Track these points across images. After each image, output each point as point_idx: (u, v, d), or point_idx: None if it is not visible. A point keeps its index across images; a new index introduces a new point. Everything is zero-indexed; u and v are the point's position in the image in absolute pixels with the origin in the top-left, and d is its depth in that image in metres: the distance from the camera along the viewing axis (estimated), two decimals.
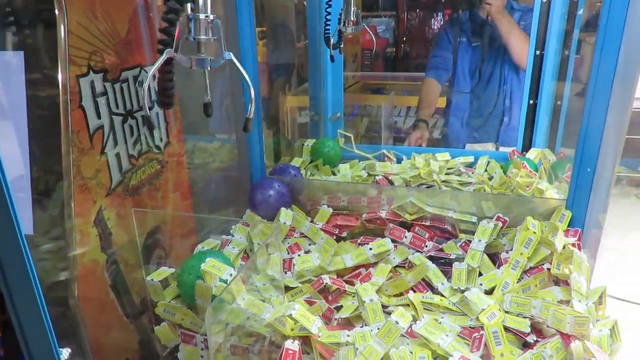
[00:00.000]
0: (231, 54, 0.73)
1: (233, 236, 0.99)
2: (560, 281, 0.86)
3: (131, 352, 1.00)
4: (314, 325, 0.72)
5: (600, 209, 0.92)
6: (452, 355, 0.67)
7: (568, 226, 0.94)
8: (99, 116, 0.88)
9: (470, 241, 0.95)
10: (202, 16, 0.66)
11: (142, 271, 0.83)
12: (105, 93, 0.89)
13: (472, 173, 1.38)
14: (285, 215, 1.02)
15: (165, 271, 0.80)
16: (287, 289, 0.88)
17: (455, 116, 2.16)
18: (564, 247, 0.86)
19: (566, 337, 0.69)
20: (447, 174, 1.38)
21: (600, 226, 0.93)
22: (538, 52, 1.41)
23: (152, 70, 0.70)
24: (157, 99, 0.83)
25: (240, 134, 1.11)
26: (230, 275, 0.72)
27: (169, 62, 0.71)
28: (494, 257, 0.95)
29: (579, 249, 0.90)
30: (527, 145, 1.51)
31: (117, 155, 0.94)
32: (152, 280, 0.78)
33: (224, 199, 1.20)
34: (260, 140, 1.10)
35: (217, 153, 1.25)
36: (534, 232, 0.88)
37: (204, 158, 1.25)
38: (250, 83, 0.73)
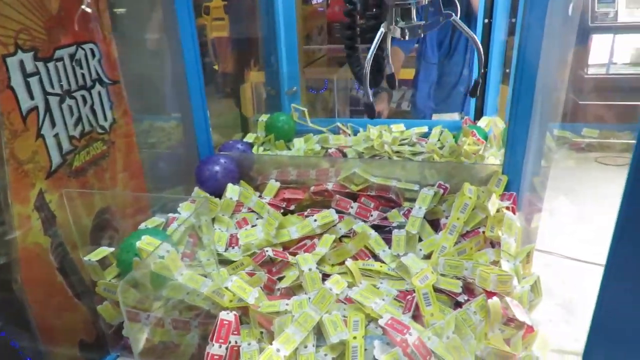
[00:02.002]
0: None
1: (180, 214, 0.99)
2: (496, 243, 0.90)
3: (86, 333, 1.01)
4: (251, 295, 0.74)
5: (535, 172, 0.96)
6: (382, 317, 0.70)
7: (505, 190, 0.97)
8: (32, 97, 0.86)
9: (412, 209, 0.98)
10: None
11: (84, 252, 0.84)
12: (37, 73, 0.87)
13: (426, 143, 1.40)
14: (232, 191, 1.02)
15: (103, 250, 0.81)
16: (231, 263, 0.89)
17: (423, 87, 2.18)
18: (498, 211, 0.90)
19: (491, 295, 0.73)
20: (400, 144, 1.40)
21: (536, 189, 0.97)
22: (487, 21, 1.42)
23: (371, 50, 0.69)
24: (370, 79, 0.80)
25: (185, 112, 1.10)
26: (167, 251, 0.73)
27: (383, 39, 0.69)
28: (436, 223, 0.98)
29: (514, 212, 0.93)
30: (479, 114, 1.54)
31: (56, 136, 0.93)
32: (89, 260, 0.79)
33: (174, 177, 1.20)
34: (205, 118, 1.10)
35: (166, 131, 1.24)
36: (470, 198, 0.91)
37: (153, 137, 1.24)
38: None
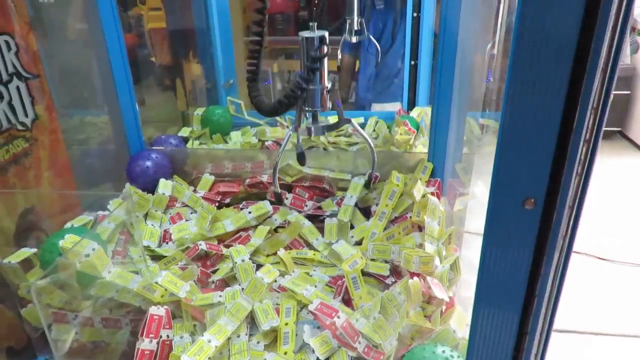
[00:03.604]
0: None
1: (110, 211, 0.97)
2: (423, 227, 0.95)
3: (15, 339, 0.97)
4: (182, 289, 0.75)
5: (457, 159, 1.01)
6: (312, 302, 0.72)
7: (430, 177, 1.03)
8: None
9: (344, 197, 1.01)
10: None
11: (5, 254, 0.80)
12: None
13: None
14: (164, 186, 1.01)
15: (25, 252, 0.78)
16: (163, 258, 0.89)
17: (363, 78, 2.22)
18: (423, 196, 0.95)
19: (415, 275, 0.77)
20: (336, 135, 1.43)
21: (459, 175, 1.03)
22: (415, 15, 1.47)
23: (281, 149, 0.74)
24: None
25: (113, 106, 1.07)
26: (93, 249, 0.72)
27: None
28: (367, 211, 1.02)
29: (438, 197, 0.99)
30: (412, 104, 1.60)
31: None
32: (9, 262, 0.75)
33: (105, 174, 1.17)
34: (134, 113, 1.07)
35: (97, 127, 1.20)
36: (398, 185, 0.96)
37: (82, 132, 1.19)
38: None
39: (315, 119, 0.73)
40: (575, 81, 0.32)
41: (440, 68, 0.94)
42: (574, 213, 0.36)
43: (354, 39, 1.24)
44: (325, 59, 0.75)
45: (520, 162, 0.33)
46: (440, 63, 0.93)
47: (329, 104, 0.72)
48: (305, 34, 0.75)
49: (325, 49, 0.72)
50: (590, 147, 0.34)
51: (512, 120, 0.32)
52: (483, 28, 0.94)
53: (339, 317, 0.70)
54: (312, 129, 0.76)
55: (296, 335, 0.73)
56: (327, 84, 0.69)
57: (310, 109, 0.74)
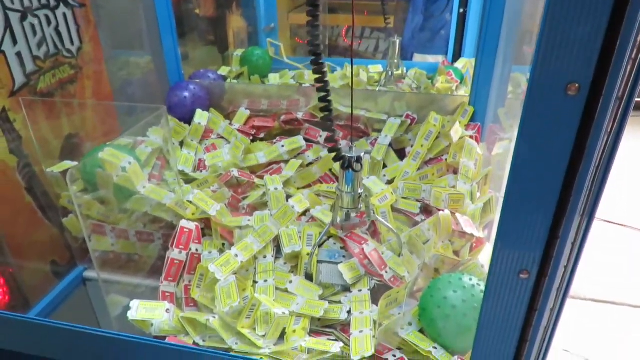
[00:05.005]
0: None
1: (149, 137, 0.99)
2: (458, 171, 0.92)
3: (58, 254, 1.03)
4: (213, 208, 0.76)
5: (499, 104, 0.97)
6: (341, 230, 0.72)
7: (470, 121, 0.99)
8: None
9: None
10: None
11: (48, 166, 0.84)
12: None
13: (402, 84, 1.40)
14: (201, 117, 1.02)
15: (67, 164, 0.81)
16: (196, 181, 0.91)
17: (409, 26, 2.16)
18: (460, 139, 0.91)
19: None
20: (376, 84, 1.39)
21: (500, 120, 0.98)
22: None
23: None
24: None
25: (154, 46, 1.09)
26: (129, 163, 0.74)
27: None
28: (402, 153, 1.00)
29: (477, 142, 0.95)
30: (457, 57, 1.54)
31: (19, 54, 0.91)
32: (52, 171, 0.79)
33: (144, 108, 1.19)
34: (175, 47, 1.09)
35: (137, 65, 1.22)
36: (435, 126, 0.93)
37: (123, 69, 1.22)
38: None
39: (348, 217, 0.73)
40: None
41: (489, 9, 0.88)
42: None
43: None
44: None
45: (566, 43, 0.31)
46: (490, 6, 0.88)
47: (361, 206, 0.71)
48: None
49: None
50: None
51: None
52: None
53: (368, 245, 0.70)
54: (343, 226, 0.74)
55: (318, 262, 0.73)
56: (360, 190, 0.69)
57: (344, 207, 0.71)
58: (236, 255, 0.68)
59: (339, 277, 0.69)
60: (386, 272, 0.69)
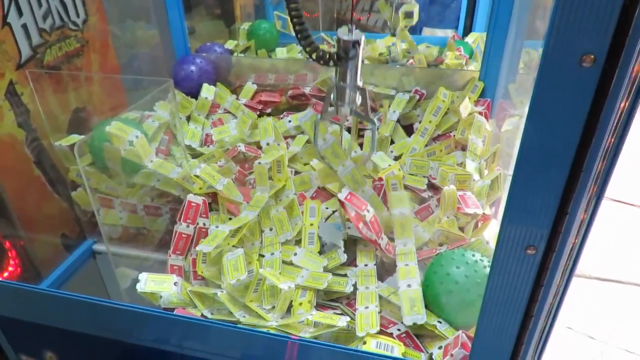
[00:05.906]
0: None
1: (155, 111, 0.99)
2: (466, 147, 0.91)
3: (68, 227, 1.05)
4: (220, 182, 0.76)
5: (510, 80, 0.95)
6: (341, 192, 0.71)
7: (480, 97, 0.97)
8: None
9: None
10: None
11: (56, 139, 0.84)
12: None
13: (411, 58, 1.38)
14: (207, 91, 1.02)
15: (74, 137, 0.82)
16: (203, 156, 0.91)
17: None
18: (469, 115, 0.90)
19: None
20: (382, 56, 1.37)
21: (510, 96, 0.97)
22: None
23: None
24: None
25: (160, 16, 1.07)
26: (137, 137, 0.74)
27: None
28: (410, 129, 0.99)
29: (487, 118, 0.94)
30: (468, 30, 1.50)
31: (24, 26, 0.90)
32: (60, 145, 0.79)
33: (151, 82, 1.19)
34: (181, 20, 1.07)
35: (143, 38, 1.21)
36: (444, 101, 0.91)
37: (129, 42, 1.20)
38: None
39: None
40: None
41: None
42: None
43: None
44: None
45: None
46: None
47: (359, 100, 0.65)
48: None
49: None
50: None
51: None
52: None
53: (368, 211, 0.69)
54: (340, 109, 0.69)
55: (320, 237, 0.73)
56: (360, 83, 0.63)
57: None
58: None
59: (338, 237, 0.69)
60: (382, 239, 0.69)
